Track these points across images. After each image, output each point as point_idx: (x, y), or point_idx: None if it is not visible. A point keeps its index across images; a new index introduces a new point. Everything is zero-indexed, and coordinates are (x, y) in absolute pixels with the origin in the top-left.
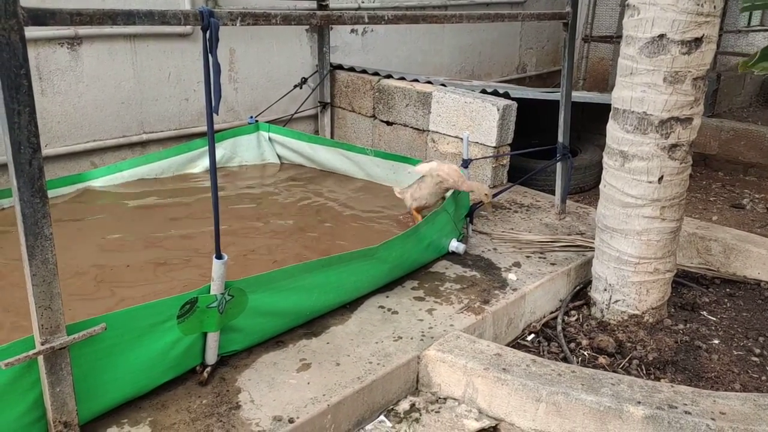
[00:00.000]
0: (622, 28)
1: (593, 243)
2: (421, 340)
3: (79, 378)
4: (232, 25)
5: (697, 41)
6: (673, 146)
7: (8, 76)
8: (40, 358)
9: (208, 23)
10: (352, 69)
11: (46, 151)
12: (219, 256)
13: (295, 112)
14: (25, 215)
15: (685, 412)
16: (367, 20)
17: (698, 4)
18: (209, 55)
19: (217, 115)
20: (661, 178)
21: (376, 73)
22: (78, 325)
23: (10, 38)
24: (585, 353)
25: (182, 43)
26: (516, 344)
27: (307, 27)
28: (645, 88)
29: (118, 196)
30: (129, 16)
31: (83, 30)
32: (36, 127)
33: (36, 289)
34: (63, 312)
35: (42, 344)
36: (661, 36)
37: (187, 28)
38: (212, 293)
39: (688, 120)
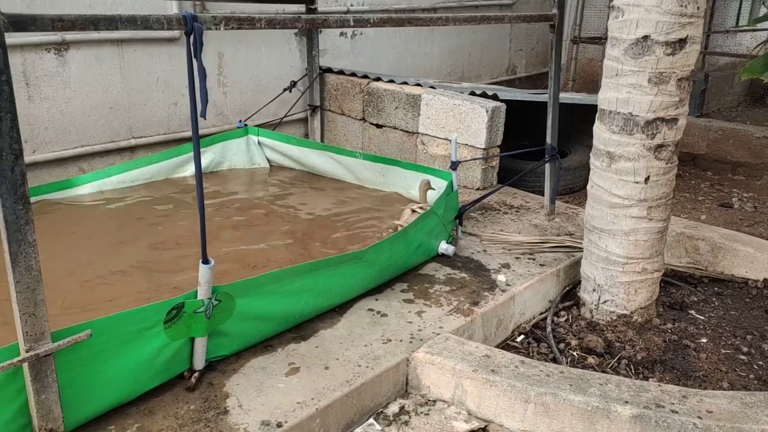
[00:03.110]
0: (608, 30)
1: (582, 243)
2: (410, 342)
3: (64, 385)
4: (216, 29)
5: (681, 42)
6: (659, 146)
7: None
8: (25, 366)
9: (191, 28)
10: (341, 72)
11: (33, 157)
12: (206, 261)
13: (285, 116)
14: (8, 222)
15: (672, 411)
16: (352, 23)
17: (682, 5)
18: (194, 59)
19: (205, 119)
20: (647, 179)
21: (365, 76)
22: (63, 332)
23: None
24: (574, 353)
25: (170, 48)
26: (506, 345)
27: (296, 30)
28: (630, 89)
29: (106, 201)
30: (111, 22)
31: (70, 35)
32: (18, 134)
33: (20, 296)
34: (47, 319)
35: (27, 351)
36: (646, 37)
37: (175, 33)
38: (199, 298)
39: (674, 120)
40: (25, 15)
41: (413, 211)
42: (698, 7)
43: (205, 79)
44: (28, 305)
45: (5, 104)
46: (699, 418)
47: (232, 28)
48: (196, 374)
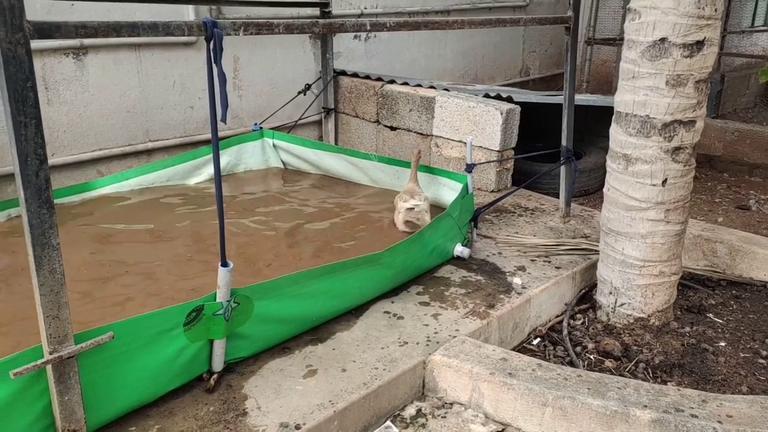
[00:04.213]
0: (624, 32)
1: (598, 246)
2: (427, 345)
3: (87, 386)
4: (236, 34)
5: (699, 44)
6: (677, 149)
7: (15, 89)
8: (49, 368)
9: (211, 33)
10: (355, 75)
11: (52, 161)
12: (224, 264)
13: (299, 119)
14: (32, 226)
15: (692, 416)
16: (369, 28)
17: (699, 8)
18: (214, 64)
19: (225, 123)
20: (665, 181)
21: (379, 79)
22: (86, 334)
23: (17, 52)
24: (591, 357)
25: (186, 52)
26: (522, 348)
27: (310, 34)
28: (647, 92)
29: (123, 204)
30: (133, 28)
31: (88, 40)
32: (42, 139)
33: (44, 299)
34: (71, 321)
35: (50, 353)
36: (663, 39)
37: (191, 37)
38: (218, 300)
39: (691, 123)
40: (50, 22)
41: (409, 209)
42: (716, 9)
43: (225, 84)
44: (51, 308)
45: (30, 110)
46: (719, 422)
47: (251, 33)
48: (215, 376)
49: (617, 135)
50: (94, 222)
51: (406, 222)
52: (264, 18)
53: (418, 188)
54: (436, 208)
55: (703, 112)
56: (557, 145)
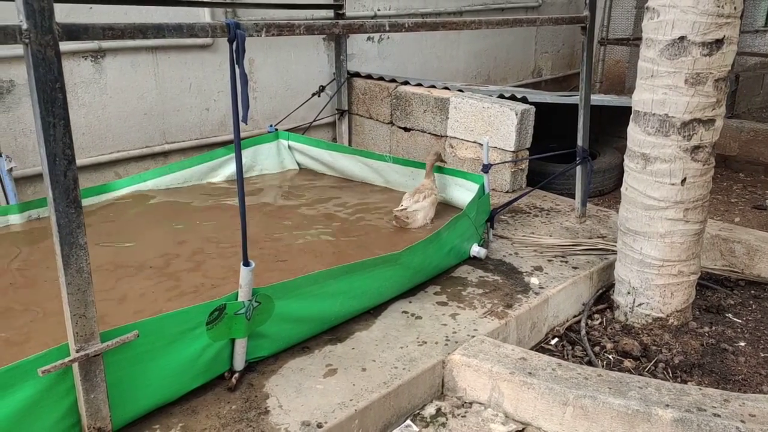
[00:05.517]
0: (642, 31)
1: (615, 246)
2: (446, 344)
3: (112, 384)
4: (258, 36)
5: (718, 42)
6: (696, 148)
7: (44, 90)
8: (75, 366)
9: (234, 35)
10: (369, 76)
11: None
12: (246, 264)
13: (314, 120)
14: (60, 225)
15: (714, 415)
16: (387, 28)
17: (719, 6)
18: (236, 66)
19: (246, 124)
20: (684, 180)
21: (393, 80)
22: (111, 333)
23: (46, 53)
24: (610, 357)
25: (202, 54)
26: (540, 348)
27: (325, 36)
28: (666, 91)
29: (141, 205)
30: (159, 30)
31: (106, 43)
32: (70, 139)
33: (71, 298)
34: (97, 320)
35: (77, 351)
36: (682, 38)
37: (207, 40)
38: (240, 300)
39: (711, 121)
40: (78, 24)
41: (401, 209)
42: (735, 8)
43: (247, 86)
44: (78, 306)
45: (59, 111)
46: (742, 422)
47: (273, 35)
48: (237, 375)
49: (635, 134)
50: (113, 222)
51: (395, 218)
52: (282, 20)
53: (431, 184)
54: (452, 209)
55: (722, 110)
56: (572, 146)
